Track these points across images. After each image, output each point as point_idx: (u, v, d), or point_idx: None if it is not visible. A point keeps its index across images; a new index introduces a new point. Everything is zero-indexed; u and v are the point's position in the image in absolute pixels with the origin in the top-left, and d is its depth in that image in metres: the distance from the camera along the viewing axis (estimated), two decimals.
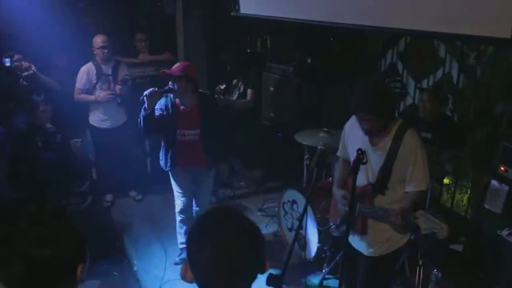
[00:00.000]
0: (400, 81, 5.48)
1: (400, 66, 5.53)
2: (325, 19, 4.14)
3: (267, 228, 4.92)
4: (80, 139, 4.83)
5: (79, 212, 4.63)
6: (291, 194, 4.30)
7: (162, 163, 4.13)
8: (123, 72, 5.15)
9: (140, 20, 6.25)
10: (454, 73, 4.92)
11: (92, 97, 5.06)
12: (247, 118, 5.72)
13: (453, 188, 5.00)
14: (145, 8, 6.78)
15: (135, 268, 4.34)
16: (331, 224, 3.23)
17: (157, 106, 3.87)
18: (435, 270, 3.88)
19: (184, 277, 1.39)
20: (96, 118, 5.18)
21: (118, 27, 6.19)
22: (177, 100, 3.93)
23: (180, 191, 4.19)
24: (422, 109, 4.21)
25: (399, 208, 2.67)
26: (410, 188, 2.73)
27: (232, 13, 5.14)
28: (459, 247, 4.27)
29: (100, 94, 5.03)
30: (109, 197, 5.54)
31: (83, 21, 6.13)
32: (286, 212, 4.42)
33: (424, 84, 5.13)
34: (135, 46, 5.93)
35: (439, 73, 5.02)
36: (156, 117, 3.86)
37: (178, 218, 4.27)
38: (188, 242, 1.36)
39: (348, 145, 2.97)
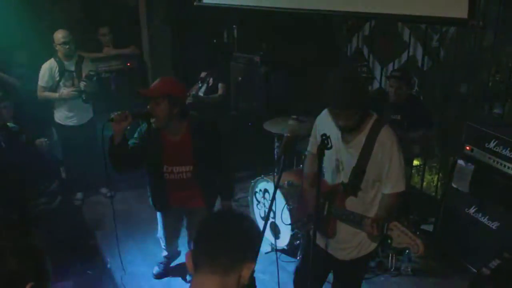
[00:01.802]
0: (366, 66, 5.52)
1: (366, 51, 5.57)
2: (289, 6, 4.14)
3: None
4: (46, 139, 4.71)
5: (48, 212, 4.54)
6: (261, 183, 4.31)
7: (150, 201, 3.47)
8: (87, 68, 5.04)
9: (102, 14, 6.11)
10: (419, 56, 4.98)
11: (56, 95, 4.92)
12: (216, 109, 5.67)
13: (422, 170, 5.08)
14: (107, 1, 6.63)
15: (108, 266, 4.28)
16: (298, 221, 3.09)
17: (136, 135, 3.10)
18: (406, 251, 3.95)
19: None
20: (61, 116, 5.06)
21: (80, 21, 6.04)
22: (162, 128, 3.05)
23: (166, 234, 3.65)
24: (392, 95, 4.28)
25: (374, 216, 2.47)
26: (387, 190, 2.52)
27: (195, 3, 5.07)
28: (429, 227, 4.37)
29: (64, 91, 4.90)
30: (79, 195, 5.43)
31: (43, 16, 5.97)
32: (258, 202, 4.42)
33: (390, 67, 5.18)
34: (98, 40, 5.80)
35: (404, 57, 5.08)
36: (132, 148, 3.00)
37: (162, 253, 3.96)
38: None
39: (315, 141, 2.72)
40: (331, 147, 2.30)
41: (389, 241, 2.35)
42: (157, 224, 3.92)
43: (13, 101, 4.65)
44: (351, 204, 2.58)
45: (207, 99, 5.36)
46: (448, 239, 4.06)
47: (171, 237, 3.76)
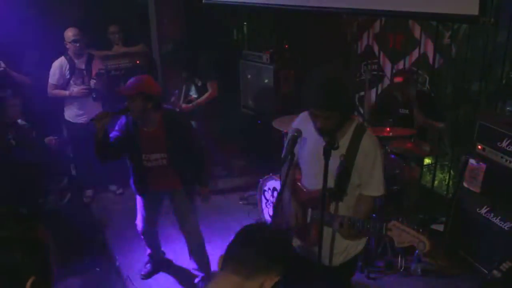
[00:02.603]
0: (377, 63, 5.47)
1: (376, 48, 5.51)
2: (299, 4, 4.10)
3: (249, 217, 4.90)
4: (56, 136, 4.74)
5: (57, 210, 4.57)
6: (270, 181, 4.29)
7: (132, 187, 3.73)
8: (97, 66, 5.06)
9: (112, 12, 6.12)
10: (430, 53, 4.92)
11: (67, 93, 4.97)
12: (226, 106, 5.66)
13: (434, 168, 5.02)
14: None
15: (117, 264, 4.29)
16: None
17: (116, 127, 3.45)
18: (417, 250, 3.90)
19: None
20: (71, 113, 5.09)
21: (90, 20, 6.06)
22: (139, 120, 3.42)
23: (144, 215, 3.79)
24: (399, 98, 4.30)
25: (346, 217, 2.38)
26: (367, 192, 2.48)
27: (203, 1, 5.05)
28: (440, 227, 4.31)
29: (74, 89, 4.93)
30: (89, 192, 5.47)
31: (54, 14, 5.99)
32: (267, 200, 4.40)
33: (401, 65, 5.12)
34: (108, 39, 5.81)
35: (415, 54, 5.02)
36: (113, 140, 3.37)
37: (142, 239, 4.03)
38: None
39: (298, 145, 2.52)
40: (337, 147, 2.24)
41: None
42: (164, 220, 4.08)
43: (22, 99, 4.69)
44: (336, 208, 2.50)
45: (199, 101, 5.12)
46: (458, 240, 4.00)
47: (149, 222, 3.85)
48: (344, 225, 2.36)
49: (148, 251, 4.11)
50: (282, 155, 2.38)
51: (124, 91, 3.39)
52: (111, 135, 3.39)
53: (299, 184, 2.70)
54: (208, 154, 4.06)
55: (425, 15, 3.29)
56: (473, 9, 2.47)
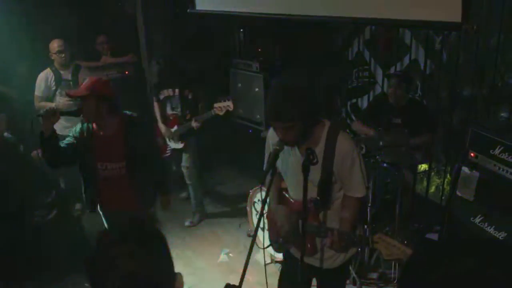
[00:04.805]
0: (368, 70, 5.41)
1: (367, 55, 5.45)
2: (284, 12, 4.03)
3: (240, 228, 4.81)
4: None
5: (44, 224, 4.47)
6: (260, 193, 4.20)
7: (83, 200, 3.50)
8: (84, 77, 4.98)
9: (100, 22, 6.07)
10: (421, 59, 4.86)
11: (53, 105, 4.87)
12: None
13: (428, 175, 4.94)
14: (105, 9, 6.59)
15: None
16: (271, 243, 2.86)
17: (70, 133, 3.24)
18: None
19: None
20: (58, 126, 4.87)
21: (78, 30, 6.00)
22: (95, 125, 3.19)
23: None
24: (391, 95, 4.19)
25: (335, 231, 2.32)
26: (351, 194, 2.44)
27: (188, 10, 4.99)
28: (435, 236, 4.23)
29: (61, 100, 4.86)
30: (78, 206, 5.38)
31: (42, 26, 5.93)
32: (257, 212, 4.31)
33: (392, 71, 5.06)
34: (97, 49, 5.75)
35: (406, 60, 4.96)
36: (65, 145, 3.15)
37: None
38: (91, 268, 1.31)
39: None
40: (316, 162, 2.15)
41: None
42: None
43: (8, 112, 4.60)
44: (325, 216, 2.47)
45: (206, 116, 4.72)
46: None
47: None
48: (334, 240, 2.31)
49: None
50: (264, 169, 2.30)
51: (74, 92, 3.27)
52: (65, 140, 3.20)
53: (286, 195, 2.65)
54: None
55: (408, 23, 3.21)
56: (456, 16, 2.40)
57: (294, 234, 2.53)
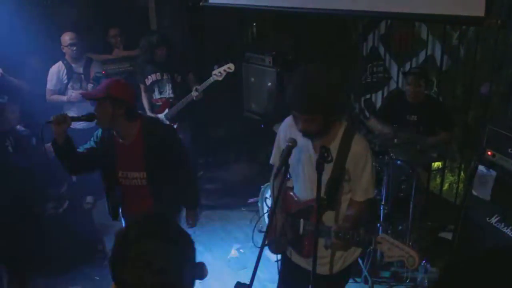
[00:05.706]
0: (383, 65, 5.32)
1: (382, 50, 5.36)
2: (301, 5, 3.97)
3: (251, 224, 4.78)
4: None
5: (56, 217, 4.48)
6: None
7: (107, 209, 3.29)
8: (95, 70, 4.97)
9: (112, 15, 6.05)
10: (437, 55, 4.76)
11: (64, 98, 4.90)
12: (229, 110, 5.55)
13: (442, 173, 4.87)
14: (118, 2, 6.57)
15: None
16: (271, 242, 2.69)
17: (92, 138, 3.01)
18: (423, 261, 3.76)
19: None
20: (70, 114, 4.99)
21: (91, 23, 5.99)
22: (115, 131, 2.93)
23: None
24: (410, 93, 4.11)
25: (336, 229, 2.27)
26: (357, 197, 2.39)
27: (201, 3, 4.94)
28: (448, 235, 4.16)
29: (72, 94, 4.85)
30: (89, 199, 5.39)
31: (54, 19, 5.93)
32: (269, 208, 4.27)
33: (407, 67, 4.97)
34: (109, 42, 5.74)
35: (422, 56, 4.87)
36: (85, 151, 2.94)
37: None
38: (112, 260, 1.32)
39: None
40: (331, 160, 2.11)
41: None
42: None
43: (21, 105, 4.61)
44: (328, 217, 2.41)
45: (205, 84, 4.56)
46: (467, 249, 3.83)
47: None
48: (336, 239, 2.27)
49: None
50: (276, 168, 2.24)
51: (89, 94, 3.04)
52: (85, 145, 2.99)
53: (291, 193, 2.60)
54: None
55: (429, 17, 3.14)
56: (479, 11, 2.33)
57: (292, 233, 2.50)
